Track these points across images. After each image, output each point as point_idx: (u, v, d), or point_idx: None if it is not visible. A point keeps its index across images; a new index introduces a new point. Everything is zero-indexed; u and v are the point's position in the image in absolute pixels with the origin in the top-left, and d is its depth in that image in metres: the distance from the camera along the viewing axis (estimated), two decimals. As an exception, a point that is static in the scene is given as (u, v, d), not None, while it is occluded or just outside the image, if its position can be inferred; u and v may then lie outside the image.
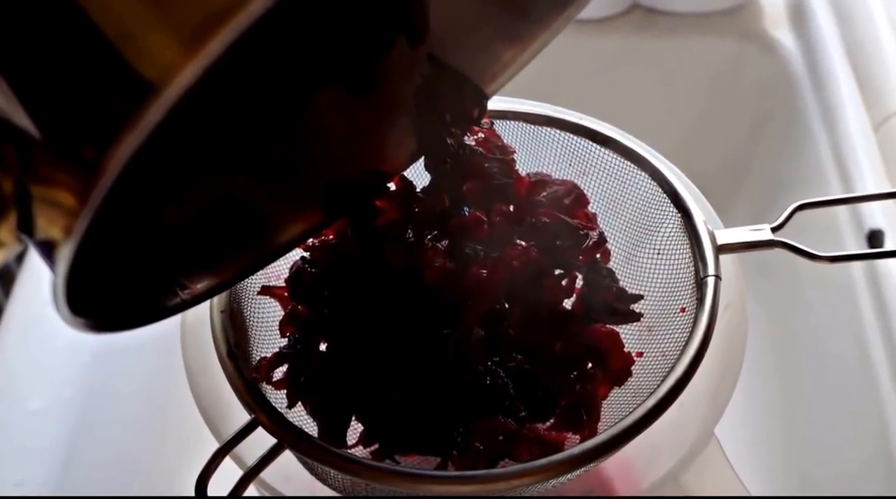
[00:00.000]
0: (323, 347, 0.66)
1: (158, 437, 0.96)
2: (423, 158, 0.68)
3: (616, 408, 0.66)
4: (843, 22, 1.21)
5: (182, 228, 0.57)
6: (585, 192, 0.70)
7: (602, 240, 0.68)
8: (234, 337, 0.62)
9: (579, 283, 0.68)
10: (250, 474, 0.56)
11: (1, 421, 0.91)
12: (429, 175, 0.68)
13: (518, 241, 0.66)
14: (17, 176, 0.39)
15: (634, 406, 0.58)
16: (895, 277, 0.95)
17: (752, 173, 1.27)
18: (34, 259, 0.99)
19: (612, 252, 0.70)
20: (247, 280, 0.66)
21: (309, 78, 0.58)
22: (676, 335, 0.65)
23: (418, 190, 0.69)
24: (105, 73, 0.35)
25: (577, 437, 0.64)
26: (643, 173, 0.72)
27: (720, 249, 0.66)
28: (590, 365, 0.66)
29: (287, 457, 0.59)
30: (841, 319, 0.98)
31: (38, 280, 0.98)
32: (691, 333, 0.61)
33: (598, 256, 0.68)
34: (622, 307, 0.68)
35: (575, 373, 0.66)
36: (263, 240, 0.63)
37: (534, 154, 0.75)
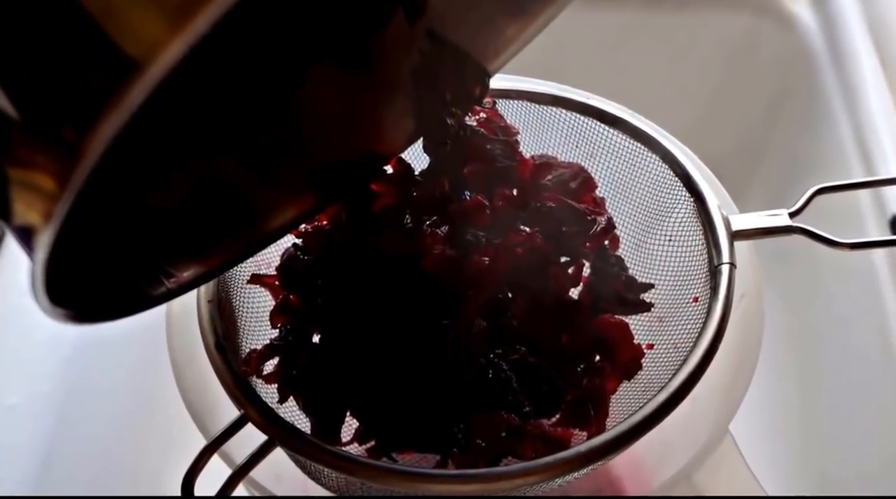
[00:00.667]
0: (316, 338, 0.66)
1: (143, 434, 0.96)
2: (421, 139, 0.68)
3: (625, 403, 0.66)
4: (865, -5, 1.21)
5: (168, 214, 0.57)
6: (593, 175, 0.70)
7: (610, 226, 0.68)
8: (222, 328, 0.62)
9: (586, 271, 0.68)
10: (239, 473, 0.56)
11: (-23, 417, 0.91)
12: (428, 157, 0.68)
13: (522, 227, 0.67)
14: (-8, 158, 0.39)
15: (645, 401, 0.58)
16: (920, 264, 0.95)
17: (768, 156, 1.27)
18: (11, 246, 0.99)
19: (621, 239, 0.70)
20: (236, 268, 0.66)
21: (302, 55, 0.58)
22: (689, 326, 0.65)
23: (417, 173, 0.69)
24: (86, 49, 0.35)
25: (584, 433, 0.64)
26: (654, 155, 0.72)
27: (735, 236, 0.66)
28: (597, 358, 0.66)
29: (278, 454, 0.59)
30: (862, 308, 0.98)
31: (16, 268, 0.98)
32: (705, 323, 0.61)
33: (606, 242, 0.68)
34: (632, 297, 0.68)
35: (582, 366, 0.66)
36: (253, 226, 0.63)
37: (538, 135, 0.75)
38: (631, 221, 0.74)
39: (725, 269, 0.64)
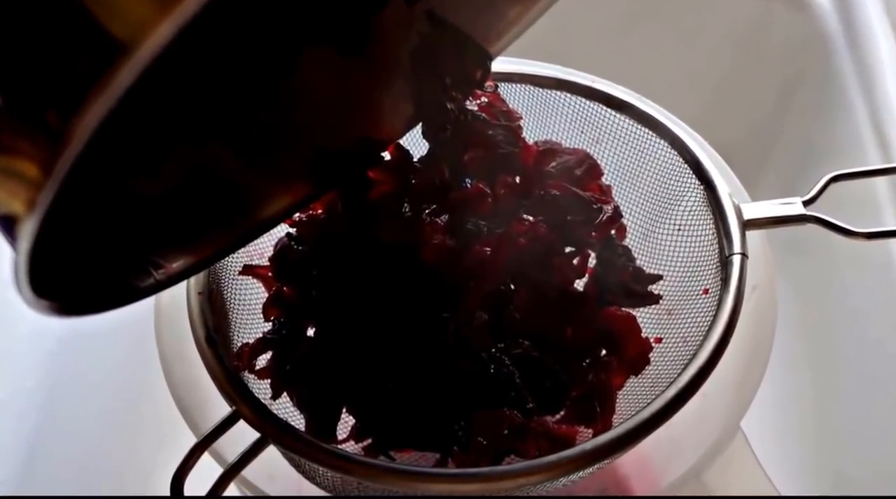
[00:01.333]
0: (311, 332, 0.66)
1: (131, 431, 0.96)
2: (420, 124, 0.67)
3: (632, 399, 0.66)
4: (882, -26, 1.21)
5: (156, 202, 0.57)
6: (599, 161, 0.70)
7: (617, 215, 0.68)
8: (213, 321, 0.62)
9: (592, 262, 0.68)
10: (231, 472, 0.56)
11: (-43, 414, 0.91)
12: (427, 143, 0.68)
13: (525, 216, 0.67)
14: (-26, 145, 0.39)
15: (653, 397, 0.58)
16: (939, 255, 0.95)
17: (781, 142, 1.27)
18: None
19: (628, 228, 0.70)
20: (227, 259, 0.66)
21: (296, 37, 0.58)
22: (699, 319, 0.65)
23: (415, 160, 0.69)
24: (71, 31, 0.35)
25: (590, 431, 0.64)
26: (662, 141, 0.72)
27: (747, 225, 0.66)
28: (604, 352, 0.66)
29: (271, 453, 0.59)
30: (879, 301, 0.98)
31: (-2, 259, 0.98)
32: (715, 316, 0.61)
33: (612, 232, 0.69)
34: (639, 288, 0.68)
35: (587, 361, 0.66)
36: (245, 214, 0.63)
37: (542, 120, 0.75)
38: (638, 209, 0.74)
39: (737, 259, 0.64)
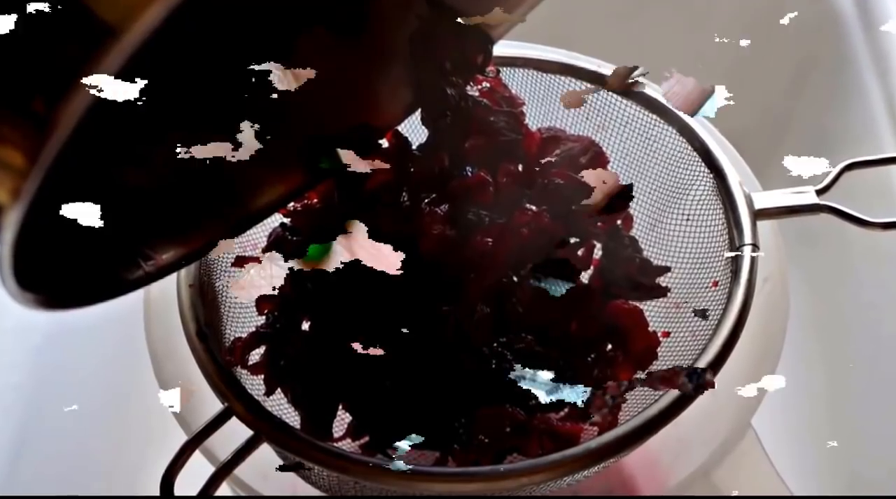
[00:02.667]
0: (306, 326, 0.66)
1: (119, 429, 0.96)
2: (419, 110, 0.67)
3: (639, 396, 0.66)
4: (899, -46, 1.21)
5: (146, 192, 0.57)
6: (604, 149, 0.70)
7: (623, 204, 0.68)
8: (204, 315, 0.62)
9: (598, 253, 0.68)
10: (223, 471, 0.56)
11: (-60, 411, 0.91)
12: (426, 130, 0.67)
13: (528, 205, 0.66)
14: (-44, 132, 0.39)
15: (660, 394, 0.58)
16: (957, 246, 0.95)
17: (793, 129, 1.27)
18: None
19: (634, 218, 0.70)
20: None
21: (291, 19, 0.58)
22: (708, 312, 0.65)
23: (414, 147, 0.69)
24: (58, 14, 0.35)
25: (595, 429, 0.64)
26: (670, 128, 0.72)
27: (758, 215, 0.66)
28: (609, 347, 0.66)
29: (265, 451, 0.59)
30: (895, 294, 0.98)
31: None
32: (725, 310, 0.62)
33: (618, 222, 0.68)
34: (646, 281, 0.68)
35: (592, 356, 0.66)
36: (238, 204, 0.63)
37: (546, 106, 0.75)
38: (645, 198, 0.74)
39: (747, 250, 0.64)
